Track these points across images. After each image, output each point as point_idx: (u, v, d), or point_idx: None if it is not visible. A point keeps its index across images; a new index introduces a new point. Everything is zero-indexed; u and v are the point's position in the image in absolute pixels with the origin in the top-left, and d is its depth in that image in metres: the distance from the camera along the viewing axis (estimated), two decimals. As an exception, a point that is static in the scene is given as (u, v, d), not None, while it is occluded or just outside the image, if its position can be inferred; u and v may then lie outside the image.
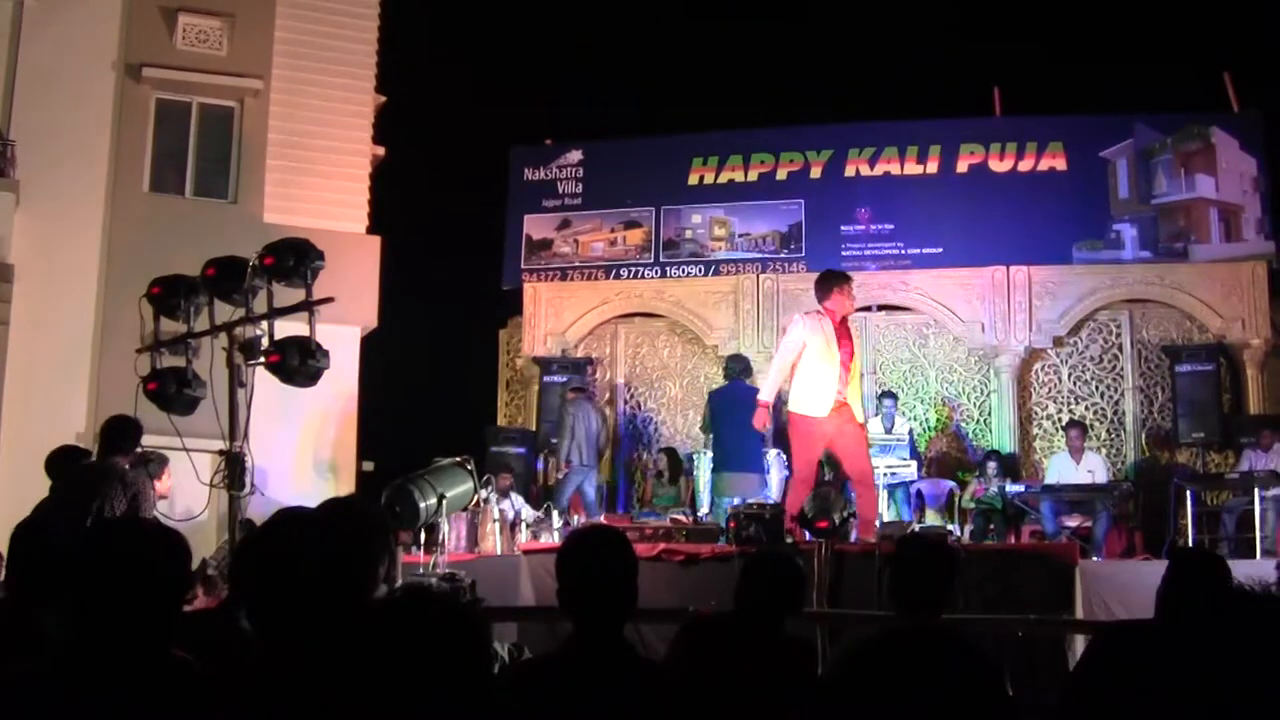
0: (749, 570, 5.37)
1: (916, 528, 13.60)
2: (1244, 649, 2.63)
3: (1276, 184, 18.30)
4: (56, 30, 17.18)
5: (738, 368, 15.73)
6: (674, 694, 4.18)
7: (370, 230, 18.37)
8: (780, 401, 12.90)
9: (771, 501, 11.87)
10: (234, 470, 7.84)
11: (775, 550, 9.08)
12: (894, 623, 4.81)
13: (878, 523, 12.74)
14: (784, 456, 15.42)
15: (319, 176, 18.06)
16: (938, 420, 18.61)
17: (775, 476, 15.22)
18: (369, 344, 18.10)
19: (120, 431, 8.98)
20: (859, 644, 3.34)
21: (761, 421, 12.46)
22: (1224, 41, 19.70)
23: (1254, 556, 13.24)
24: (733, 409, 14.88)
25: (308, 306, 8.05)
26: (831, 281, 12.44)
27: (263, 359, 7.95)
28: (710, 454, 15.79)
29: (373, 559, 4.50)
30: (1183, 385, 17.49)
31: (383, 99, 19.09)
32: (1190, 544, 13.78)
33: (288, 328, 8.16)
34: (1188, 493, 14.42)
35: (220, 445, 7.95)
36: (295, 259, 8.08)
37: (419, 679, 2.95)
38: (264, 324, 8.12)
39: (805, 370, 12.06)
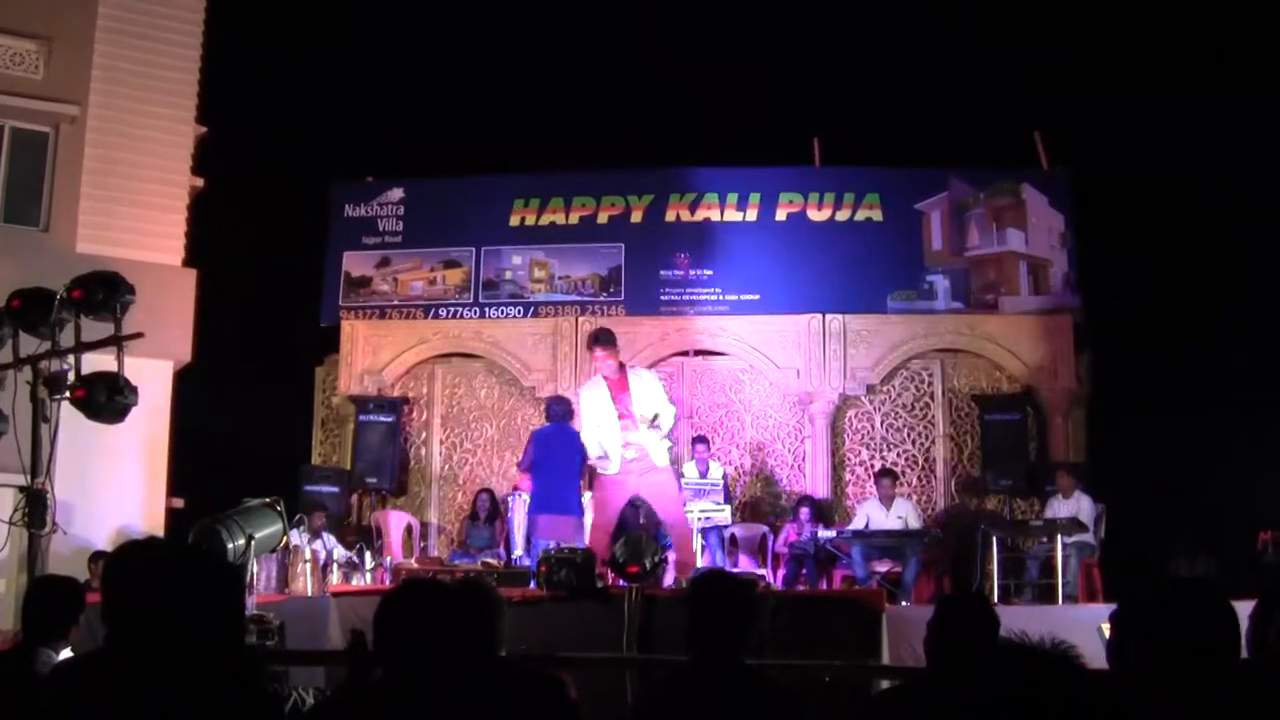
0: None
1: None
2: (1011, 705, 2.69)
3: (1083, 240, 18.81)
4: None
5: (560, 410, 15.71)
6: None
7: (186, 263, 18.03)
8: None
9: (583, 546, 11.88)
10: (35, 508, 7.64)
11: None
12: (689, 662, 4.82)
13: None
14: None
15: (135, 206, 17.68)
16: (751, 465, 18.77)
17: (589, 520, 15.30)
18: (182, 378, 17.77)
19: None
20: (653, 683, 3.37)
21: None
22: (1034, 100, 20.21)
23: (1056, 602, 13.59)
24: (553, 451, 14.92)
25: (116, 341, 7.91)
26: (587, 344, 12.87)
27: (68, 394, 7.77)
28: (524, 496, 15.78)
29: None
30: (991, 434, 17.90)
31: (203, 129, 18.80)
32: (977, 589, 14.09)
33: (96, 361, 7.99)
34: (994, 539, 14.73)
35: (21, 481, 7.75)
36: (105, 293, 7.92)
37: None
38: (71, 358, 7.95)
39: (597, 434, 12.55)
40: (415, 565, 15.30)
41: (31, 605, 5.95)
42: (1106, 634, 4.57)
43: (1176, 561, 14.83)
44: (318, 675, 9.15)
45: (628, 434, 12.36)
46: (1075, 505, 15.37)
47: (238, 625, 3.86)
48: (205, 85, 18.71)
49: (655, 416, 12.38)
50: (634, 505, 13.88)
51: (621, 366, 12.73)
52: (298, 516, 14.74)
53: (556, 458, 14.37)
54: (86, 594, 6.38)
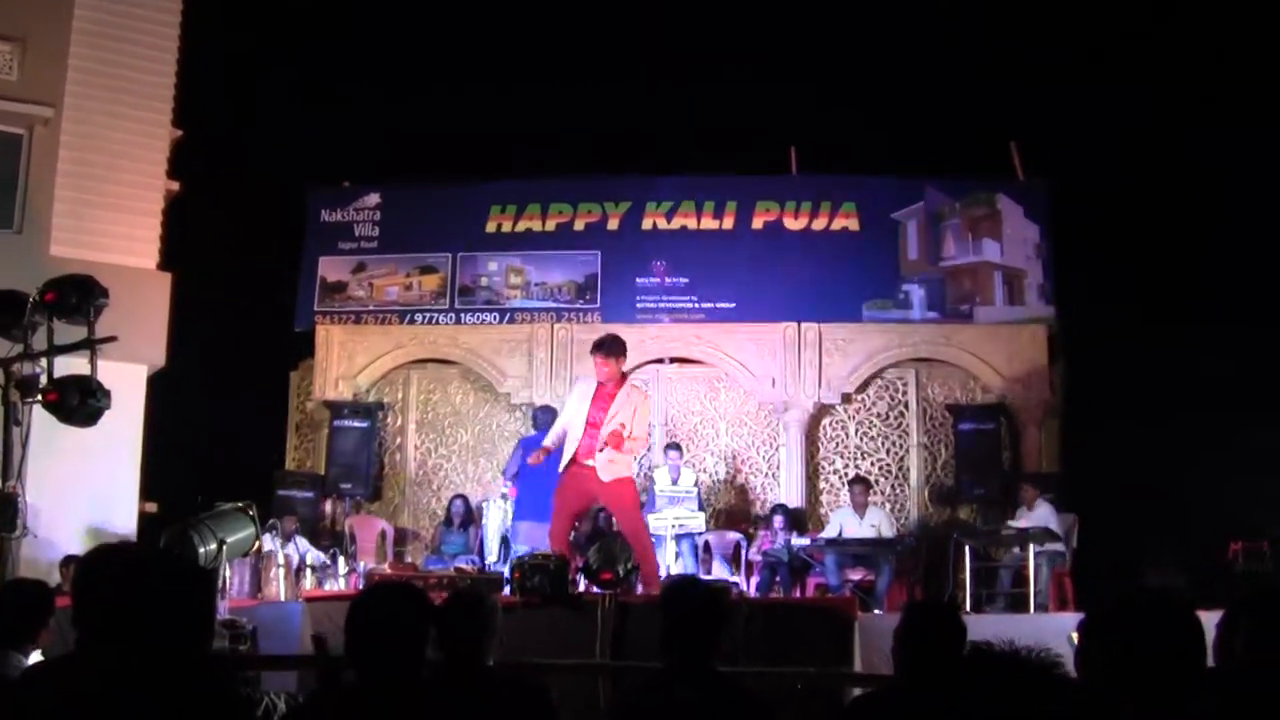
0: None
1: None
2: (981, 711, 2.70)
3: (1058, 251, 18.88)
4: None
5: (548, 419, 15.82)
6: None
7: (161, 266, 17.96)
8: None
9: (556, 553, 11.87)
10: (5, 511, 7.62)
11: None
12: (663, 669, 4.85)
13: (662, 575, 12.85)
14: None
15: (110, 209, 17.58)
16: (726, 473, 18.78)
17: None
18: (156, 382, 17.70)
19: None
20: (626, 690, 3.38)
21: (535, 459, 12.53)
22: (1011, 112, 20.27)
23: (1028, 611, 13.63)
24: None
25: (90, 345, 7.90)
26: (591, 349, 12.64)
27: (40, 397, 7.76)
28: (496, 501, 15.84)
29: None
30: (965, 443, 17.95)
31: (179, 133, 18.72)
32: (947, 598, 14.16)
33: (69, 364, 7.98)
34: (966, 548, 14.76)
35: (-8, 484, 7.73)
36: (78, 296, 7.93)
37: None
38: (43, 361, 7.93)
39: (567, 422, 12.40)
40: (389, 570, 15.28)
41: (1, 609, 5.93)
42: (1075, 642, 4.59)
43: (1146, 574, 14.88)
44: (290, 680, 9.13)
45: (585, 441, 12.15)
46: (1037, 517, 15.41)
47: (208, 630, 3.86)
48: (181, 88, 18.63)
49: (627, 433, 12.18)
50: (601, 512, 13.89)
51: (622, 378, 12.45)
52: (270, 521, 14.73)
53: (543, 466, 14.38)
54: (56, 598, 6.36)
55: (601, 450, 11.99)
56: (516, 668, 7.74)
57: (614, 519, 13.11)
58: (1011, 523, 15.50)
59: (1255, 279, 18.17)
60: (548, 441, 12.44)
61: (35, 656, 5.79)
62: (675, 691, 4.76)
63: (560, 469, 12.30)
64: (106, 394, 7.87)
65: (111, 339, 7.89)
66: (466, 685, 4.75)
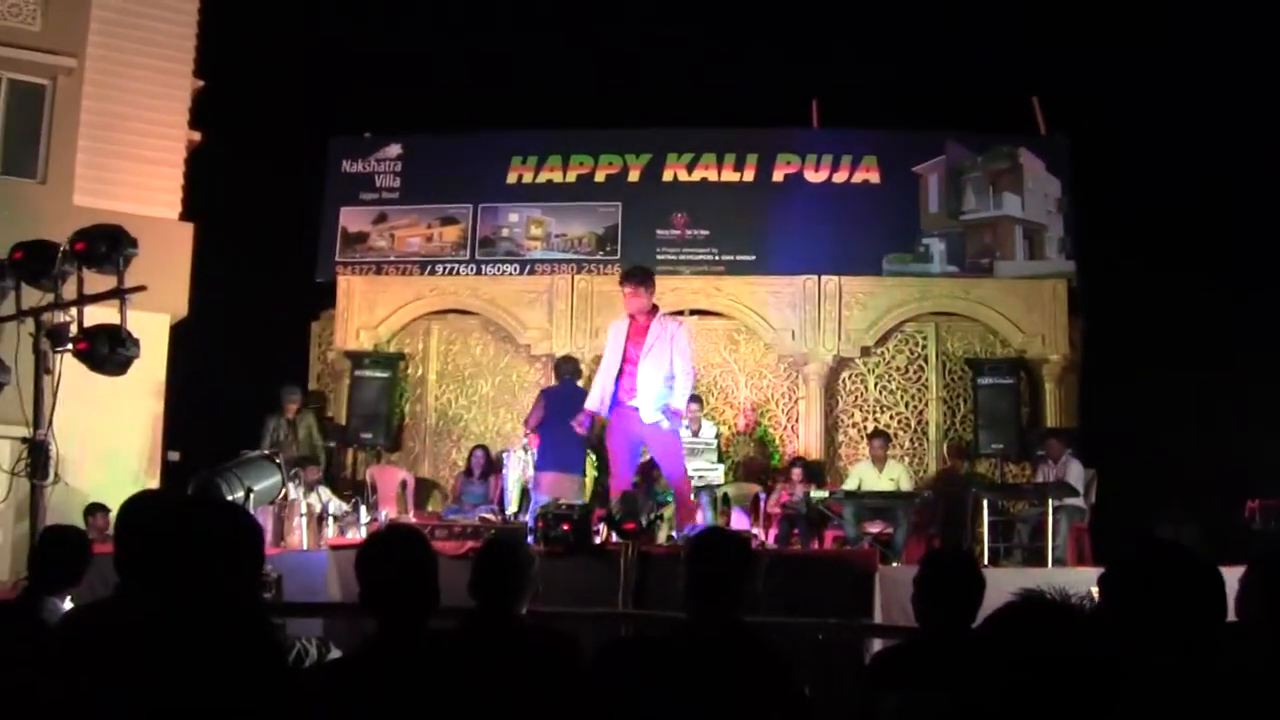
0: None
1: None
2: (1018, 655, 2.74)
3: (1078, 206, 18.84)
4: None
5: (569, 369, 15.84)
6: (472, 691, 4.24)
7: (183, 216, 18.05)
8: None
9: (580, 503, 11.90)
10: (37, 459, 7.69)
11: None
12: (687, 619, 4.85)
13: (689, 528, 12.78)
14: (594, 458, 15.69)
15: (133, 160, 17.68)
16: (745, 425, 18.82)
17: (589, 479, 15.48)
18: (178, 332, 17.80)
19: None
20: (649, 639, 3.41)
21: (580, 426, 12.37)
22: (1034, 66, 20.19)
23: (1046, 565, 13.67)
24: (562, 410, 15.01)
25: (119, 294, 7.95)
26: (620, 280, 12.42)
27: (71, 346, 7.82)
28: (518, 452, 15.90)
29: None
30: (984, 398, 17.94)
31: (201, 83, 18.77)
32: (967, 549, 14.21)
33: (96, 314, 8.04)
34: (985, 502, 14.81)
35: (23, 432, 7.79)
36: (108, 246, 7.96)
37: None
38: (73, 310, 7.99)
39: (602, 372, 12.16)
40: (413, 519, 15.38)
41: (41, 555, 6.00)
42: (1096, 598, 4.64)
43: (1162, 527, 14.93)
44: (314, 627, 9.22)
45: (624, 380, 11.85)
46: (1063, 471, 15.45)
47: (255, 578, 3.91)
48: (203, 39, 18.68)
49: (669, 378, 11.79)
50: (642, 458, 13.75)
51: (654, 310, 12.13)
52: (293, 470, 14.83)
53: (564, 416, 14.38)
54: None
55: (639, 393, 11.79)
56: (540, 616, 7.84)
57: (657, 461, 12.88)
58: (1036, 478, 15.56)
59: (1276, 235, 18.15)
60: (591, 406, 12.18)
61: (68, 603, 5.86)
62: (699, 641, 4.78)
63: (607, 412, 12.07)
64: (136, 343, 7.93)
65: (141, 288, 7.94)
66: (497, 633, 4.81)
